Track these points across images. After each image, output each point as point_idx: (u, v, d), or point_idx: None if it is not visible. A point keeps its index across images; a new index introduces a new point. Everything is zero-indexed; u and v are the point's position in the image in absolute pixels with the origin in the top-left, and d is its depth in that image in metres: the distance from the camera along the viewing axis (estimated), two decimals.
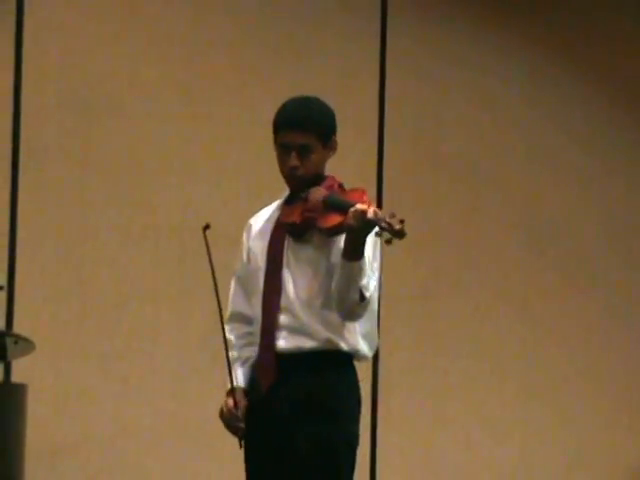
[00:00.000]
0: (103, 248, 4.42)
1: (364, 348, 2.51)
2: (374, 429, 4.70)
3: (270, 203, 2.64)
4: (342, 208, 2.29)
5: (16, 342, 3.61)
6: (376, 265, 2.46)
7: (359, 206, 2.24)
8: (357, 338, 2.50)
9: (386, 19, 4.92)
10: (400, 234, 2.20)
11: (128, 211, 4.45)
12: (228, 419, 2.48)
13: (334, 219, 2.32)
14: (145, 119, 4.51)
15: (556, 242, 5.23)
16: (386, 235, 2.21)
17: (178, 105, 4.57)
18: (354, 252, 2.29)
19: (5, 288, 4.13)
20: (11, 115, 4.34)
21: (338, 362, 2.48)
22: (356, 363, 2.58)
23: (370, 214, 2.22)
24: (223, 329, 2.52)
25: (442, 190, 5.00)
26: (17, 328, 4.12)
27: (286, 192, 2.56)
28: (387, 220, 2.21)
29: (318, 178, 2.45)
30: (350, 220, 2.24)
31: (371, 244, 2.44)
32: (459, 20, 5.08)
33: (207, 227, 2.57)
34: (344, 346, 2.45)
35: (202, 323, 4.39)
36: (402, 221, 2.22)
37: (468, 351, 5.03)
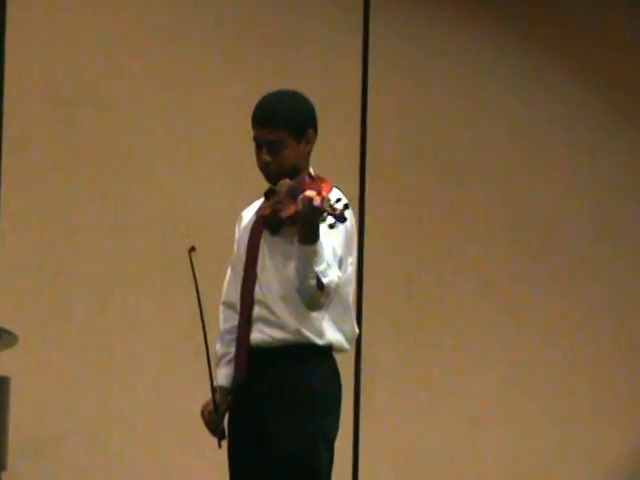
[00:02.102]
0: (86, 241, 4.44)
1: (340, 340, 2.51)
2: (357, 423, 4.72)
3: (258, 196, 2.64)
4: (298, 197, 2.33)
5: None
6: (350, 260, 2.48)
7: (307, 193, 2.24)
8: (332, 331, 2.51)
9: (369, 10, 4.95)
10: (340, 218, 2.20)
11: (112, 203, 4.47)
12: (207, 421, 2.53)
13: (292, 208, 2.33)
14: (129, 111, 4.53)
15: (541, 235, 5.28)
16: (330, 219, 2.22)
17: (163, 97, 4.59)
18: (306, 236, 2.29)
19: None
20: None
21: (312, 355, 2.48)
22: (337, 356, 2.57)
23: (316, 201, 2.21)
24: (205, 333, 2.55)
25: (426, 183, 5.03)
26: None
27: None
28: (331, 204, 2.21)
29: (294, 172, 2.45)
30: (299, 206, 2.25)
31: (341, 237, 2.46)
32: (443, 12, 5.11)
33: (193, 249, 2.61)
34: (317, 339, 2.46)
35: (186, 316, 4.39)
36: (346, 205, 2.21)
37: (452, 345, 5.07)
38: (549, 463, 5.16)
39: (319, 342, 2.48)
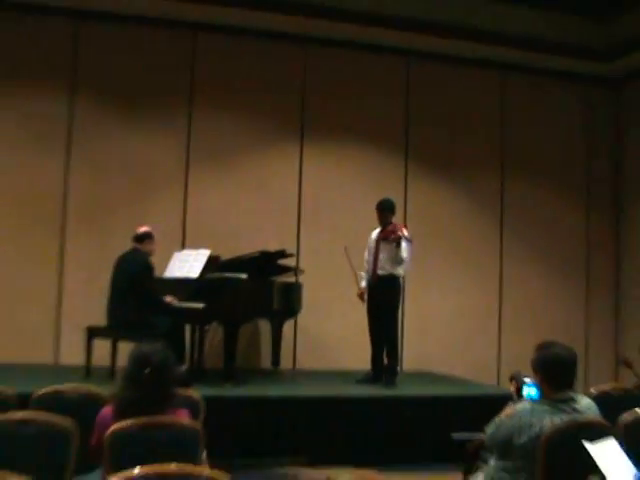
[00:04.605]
0: None
1: (402, 272, 8.26)
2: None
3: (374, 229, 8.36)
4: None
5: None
6: (407, 247, 8.04)
7: (399, 233, 7.94)
8: (402, 270, 8.19)
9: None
10: (405, 239, 8.14)
11: None
12: (362, 299, 8.37)
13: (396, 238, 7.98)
14: None
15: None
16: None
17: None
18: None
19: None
20: None
21: (397, 278, 8.22)
22: (402, 274, 8.29)
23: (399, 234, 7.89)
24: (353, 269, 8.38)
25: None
26: None
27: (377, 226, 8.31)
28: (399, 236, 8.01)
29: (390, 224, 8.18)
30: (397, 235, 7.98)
31: (405, 243, 7.95)
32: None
33: (346, 248, 8.19)
34: (396, 273, 8.19)
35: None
36: (404, 237, 8.11)
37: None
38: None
39: (396, 274, 8.19)
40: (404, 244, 8.00)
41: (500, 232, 10.81)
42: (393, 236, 7.99)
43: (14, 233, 9.22)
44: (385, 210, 8.24)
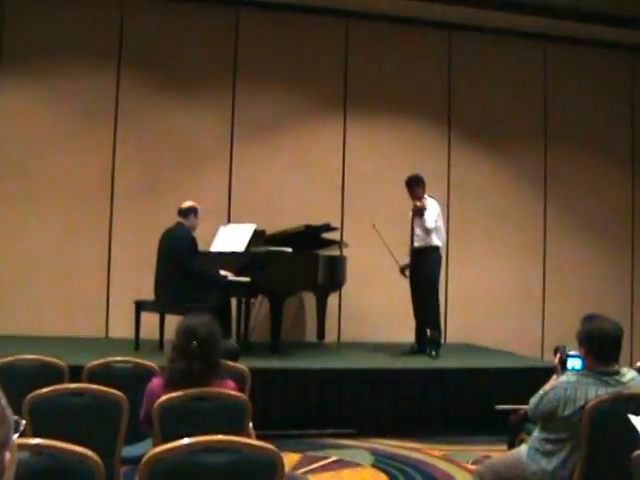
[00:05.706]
0: None
1: (438, 243, 8.38)
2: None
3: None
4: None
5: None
6: (437, 219, 8.32)
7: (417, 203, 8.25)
8: (438, 240, 8.32)
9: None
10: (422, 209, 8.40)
11: None
12: (403, 274, 8.51)
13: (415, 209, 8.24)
14: None
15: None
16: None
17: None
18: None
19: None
20: None
21: (434, 248, 8.34)
22: (440, 245, 8.42)
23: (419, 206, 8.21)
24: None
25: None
26: None
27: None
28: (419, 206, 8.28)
29: None
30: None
31: (434, 211, 8.24)
32: None
33: (374, 225, 8.40)
34: (431, 243, 8.33)
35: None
36: (424, 207, 8.29)
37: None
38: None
39: (432, 244, 8.32)
40: (427, 213, 8.13)
41: (544, 201, 10.80)
42: (414, 209, 8.26)
43: (63, 208, 9.42)
44: (410, 185, 8.39)
